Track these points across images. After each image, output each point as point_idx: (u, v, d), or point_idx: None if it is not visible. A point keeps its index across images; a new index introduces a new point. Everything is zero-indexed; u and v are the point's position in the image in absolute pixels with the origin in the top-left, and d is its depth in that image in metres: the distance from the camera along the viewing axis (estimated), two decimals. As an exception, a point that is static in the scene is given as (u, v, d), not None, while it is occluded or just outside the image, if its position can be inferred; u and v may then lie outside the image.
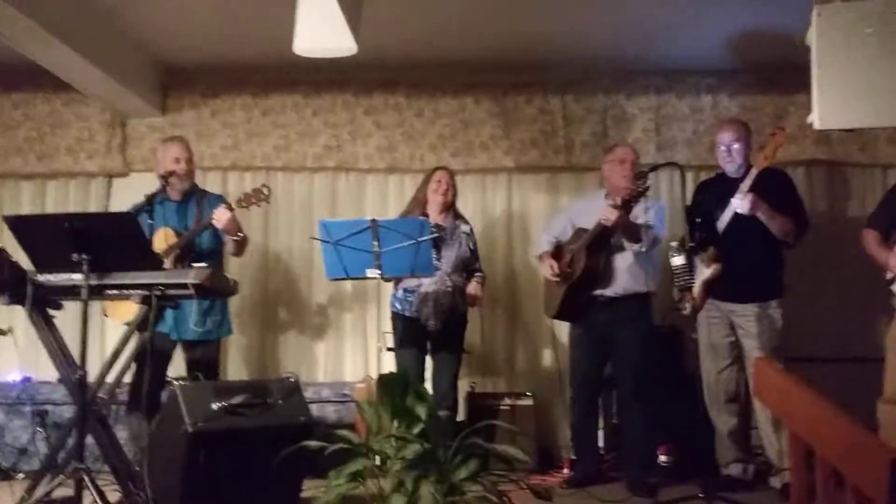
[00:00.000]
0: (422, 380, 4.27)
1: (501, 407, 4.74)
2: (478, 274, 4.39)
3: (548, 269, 4.31)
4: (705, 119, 5.20)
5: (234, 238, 4.09)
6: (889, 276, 3.69)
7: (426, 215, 4.29)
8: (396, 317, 4.35)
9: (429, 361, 4.38)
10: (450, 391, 4.27)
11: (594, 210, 4.10)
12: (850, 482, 1.74)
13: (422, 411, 2.65)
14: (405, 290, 4.30)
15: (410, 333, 4.28)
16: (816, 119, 3.31)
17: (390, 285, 4.54)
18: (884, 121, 3.44)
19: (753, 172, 3.97)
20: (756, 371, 2.49)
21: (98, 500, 3.10)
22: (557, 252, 4.37)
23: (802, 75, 3.45)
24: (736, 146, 4.14)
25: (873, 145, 5.13)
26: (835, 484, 1.87)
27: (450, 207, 4.40)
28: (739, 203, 3.94)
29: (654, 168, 4.15)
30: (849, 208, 5.19)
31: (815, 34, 3.28)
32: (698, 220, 3.89)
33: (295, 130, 5.29)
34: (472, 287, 4.30)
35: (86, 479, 3.11)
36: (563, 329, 4.70)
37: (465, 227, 4.42)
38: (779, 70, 5.00)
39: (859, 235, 3.95)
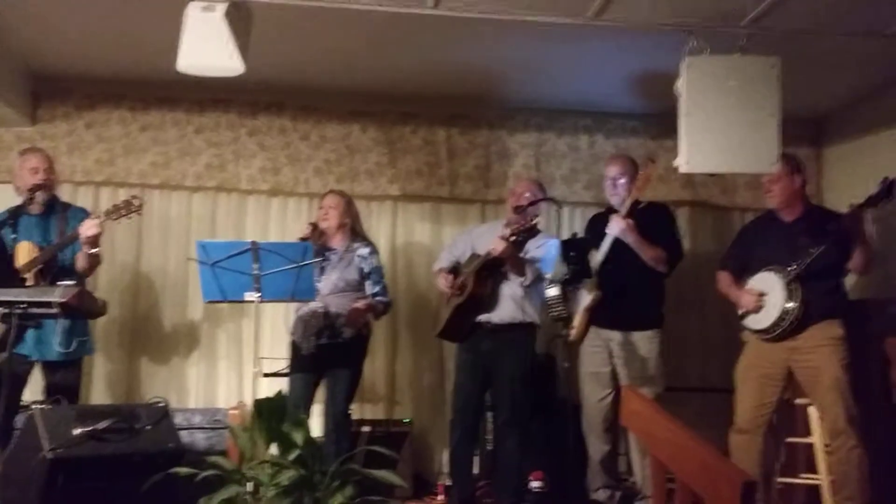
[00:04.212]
0: (310, 404, 4.22)
1: (379, 433, 4.73)
2: (378, 297, 4.34)
3: (443, 283, 4.38)
4: (582, 157, 5.43)
5: (91, 252, 3.90)
6: (741, 311, 3.97)
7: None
8: (291, 342, 4.32)
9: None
10: (336, 414, 4.21)
11: (492, 237, 4.18)
12: (706, 504, 1.86)
13: (298, 437, 2.62)
14: (294, 314, 4.28)
15: (297, 358, 4.25)
16: (682, 163, 3.53)
17: (268, 309, 4.47)
18: (742, 167, 3.71)
19: (628, 201, 4.19)
20: (623, 399, 2.62)
21: (-59, 533, 2.88)
22: (454, 272, 4.45)
23: (672, 121, 3.68)
24: (622, 180, 4.33)
25: (733, 189, 5.50)
26: (692, 506, 1.99)
27: (340, 230, 4.36)
28: (613, 225, 4.14)
29: (532, 203, 4.28)
30: (710, 247, 5.52)
31: (685, 84, 3.51)
32: (571, 253, 4.05)
33: (175, 148, 5.14)
34: (356, 303, 4.23)
35: (-72, 510, 2.90)
36: (446, 356, 4.74)
37: (362, 250, 4.37)
38: (651, 115, 5.30)
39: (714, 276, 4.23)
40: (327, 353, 4.19)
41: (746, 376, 3.95)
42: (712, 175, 5.10)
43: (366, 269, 4.35)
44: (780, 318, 3.75)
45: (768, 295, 3.83)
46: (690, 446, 2.03)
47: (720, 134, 3.49)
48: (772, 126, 3.53)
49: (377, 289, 4.36)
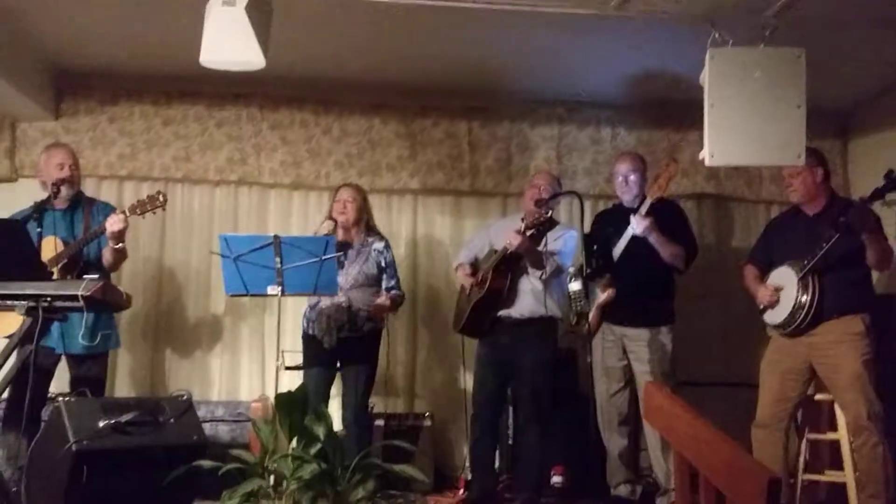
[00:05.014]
0: (327, 398, 4.24)
1: (400, 427, 4.74)
2: (394, 291, 4.37)
3: (462, 275, 4.40)
4: (604, 150, 5.38)
5: (116, 247, 3.94)
6: (761, 306, 3.93)
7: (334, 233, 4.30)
8: (304, 335, 4.33)
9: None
10: (356, 407, 4.23)
11: (509, 232, 4.17)
12: (730, 502, 1.83)
13: (320, 430, 2.62)
14: (310, 309, 4.31)
15: (314, 352, 4.25)
16: (707, 155, 3.49)
17: (290, 302, 4.48)
18: (768, 160, 3.67)
19: (648, 200, 4.16)
20: (645, 395, 2.59)
21: (-31, 524, 2.92)
22: (473, 269, 4.46)
23: (695, 113, 3.64)
24: (633, 177, 4.32)
25: (758, 182, 5.44)
26: (717, 503, 1.97)
27: (357, 224, 4.37)
28: (636, 224, 4.11)
29: (554, 196, 4.26)
30: (734, 241, 5.48)
31: (708, 76, 3.47)
32: (595, 247, 4.04)
33: (197, 142, 5.17)
34: (379, 298, 4.28)
35: (-43, 500, 2.94)
36: (466, 350, 4.73)
37: (377, 245, 4.40)
38: (674, 107, 5.24)
39: (741, 269, 4.20)
40: (346, 347, 4.20)
41: (769, 371, 3.92)
42: (737, 167, 5.06)
43: (383, 264, 4.37)
44: (794, 313, 3.72)
45: (784, 289, 3.79)
46: (714, 442, 2.01)
47: (745, 126, 3.44)
48: (797, 118, 3.48)
49: (392, 282, 4.39)
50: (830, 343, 3.70)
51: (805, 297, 3.69)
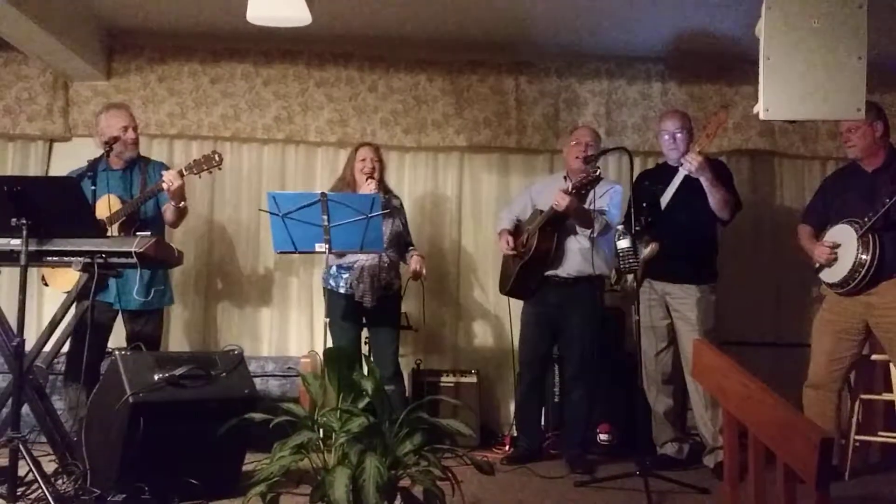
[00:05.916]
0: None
1: (446, 383, 4.79)
2: (412, 248, 4.41)
3: (504, 244, 4.37)
4: (654, 105, 5.27)
5: (178, 206, 4.01)
6: (817, 266, 3.85)
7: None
8: (331, 293, 4.23)
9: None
10: (393, 366, 4.28)
11: (552, 192, 4.13)
12: (780, 460, 1.81)
13: (368, 385, 2.66)
14: (339, 267, 4.27)
15: (346, 310, 4.25)
16: (762, 110, 3.38)
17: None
18: (825, 114, 3.53)
19: (696, 148, 4.05)
20: (694, 353, 2.57)
21: (33, 471, 3.04)
22: (517, 231, 4.43)
23: (749, 66, 3.53)
24: (680, 135, 4.23)
25: (814, 138, 5.28)
26: (766, 462, 1.95)
27: (380, 183, 4.34)
28: (689, 161, 3.98)
29: (604, 152, 4.19)
30: (788, 198, 5.35)
31: (765, 27, 3.35)
32: (644, 203, 3.98)
33: (244, 100, 5.20)
34: (417, 262, 4.27)
35: (21, 448, 3.06)
36: (513, 308, 4.73)
37: (395, 202, 4.43)
38: (726, 60, 5.10)
39: (796, 228, 4.10)
40: (377, 306, 4.22)
41: (823, 330, 3.86)
42: (793, 122, 4.91)
43: (403, 221, 4.40)
44: (854, 272, 3.64)
45: (842, 247, 3.70)
46: (764, 401, 1.98)
47: (802, 79, 3.31)
48: (858, 70, 3.33)
49: (410, 239, 4.44)
50: (889, 302, 3.62)
51: (865, 255, 3.60)
